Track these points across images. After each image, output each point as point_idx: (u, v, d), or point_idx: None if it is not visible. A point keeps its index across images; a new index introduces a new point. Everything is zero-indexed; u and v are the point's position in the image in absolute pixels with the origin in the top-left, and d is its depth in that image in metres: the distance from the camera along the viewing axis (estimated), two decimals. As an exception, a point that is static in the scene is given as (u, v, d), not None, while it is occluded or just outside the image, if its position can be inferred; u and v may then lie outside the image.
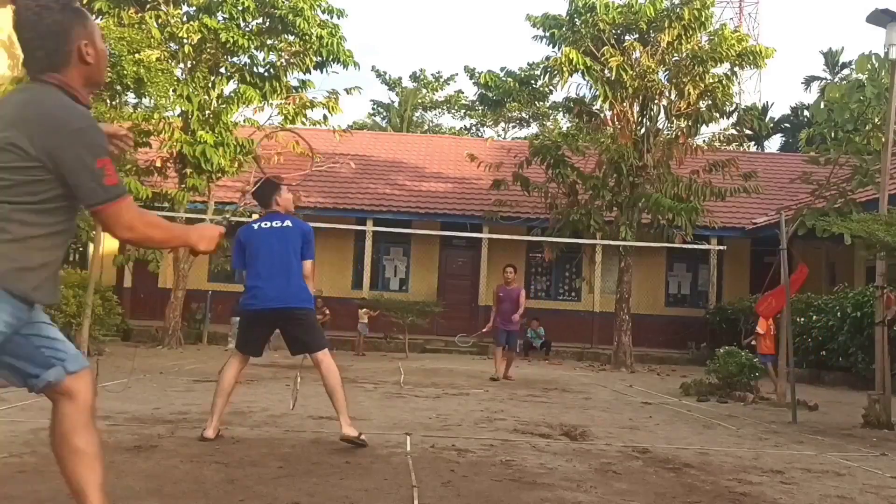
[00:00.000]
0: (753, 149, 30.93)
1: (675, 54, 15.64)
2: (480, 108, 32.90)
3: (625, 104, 15.61)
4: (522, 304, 11.58)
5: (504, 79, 18.38)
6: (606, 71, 15.22)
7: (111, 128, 2.77)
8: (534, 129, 33.66)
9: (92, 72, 2.48)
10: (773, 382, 10.06)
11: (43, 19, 2.41)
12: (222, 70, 15.46)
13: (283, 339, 5.44)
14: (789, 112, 36.90)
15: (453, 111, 39.28)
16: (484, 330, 12.46)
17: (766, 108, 34.28)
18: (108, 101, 11.76)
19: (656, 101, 15.80)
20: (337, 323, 17.15)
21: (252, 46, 14.93)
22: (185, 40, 14.44)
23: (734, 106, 16.89)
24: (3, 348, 2.35)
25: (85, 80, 2.47)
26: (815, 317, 13.38)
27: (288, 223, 5.34)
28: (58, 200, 2.33)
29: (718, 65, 15.49)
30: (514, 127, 35.04)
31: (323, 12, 15.41)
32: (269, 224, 5.33)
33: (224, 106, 15.12)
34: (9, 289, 2.27)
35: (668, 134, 16.19)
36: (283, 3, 14.76)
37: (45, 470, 3.94)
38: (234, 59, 15.43)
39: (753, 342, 11.03)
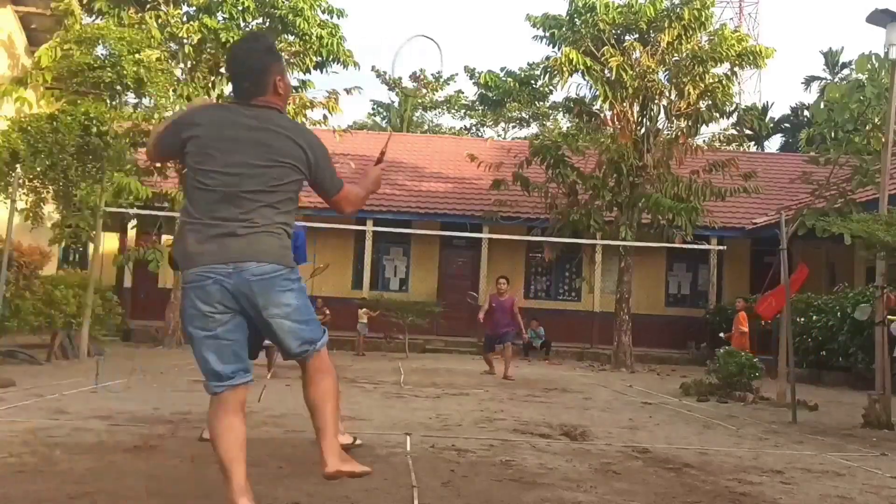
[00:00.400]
0: (753, 149, 30.93)
1: (675, 54, 15.64)
2: (480, 108, 32.92)
3: (625, 104, 15.61)
4: (517, 314, 11.87)
5: (504, 79, 18.42)
6: (606, 71, 15.23)
7: None
8: (534, 129, 33.65)
9: (281, 101, 3.09)
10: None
11: (251, 57, 3.05)
12: (222, 70, 15.46)
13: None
14: (789, 112, 36.89)
15: (453, 111, 39.28)
16: (480, 315, 12.50)
17: (766, 108, 34.27)
18: (108, 101, 11.75)
19: (656, 101, 15.80)
20: (337, 323, 17.15)
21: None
22: (185, 40, 14.45)
23: (734, 106, 16.90)
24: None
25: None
26: (815, 317, 13.38)
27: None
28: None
29: (718, 65, 15.49)
30: (514, 127, 35.04)
31: (323, 12, 15.42)
32: None
33: (224, 106, 15.12)
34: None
35: (668, 134, 16.19)
36: (283, 3, 14.76)
37: (45, 470, 3.94)
38: (235, 59, 15.43)
39: (723, 335, 12.23)
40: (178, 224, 3.22)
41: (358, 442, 4.94)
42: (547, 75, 16.92)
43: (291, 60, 15.58)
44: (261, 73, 3.00)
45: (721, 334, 13.22)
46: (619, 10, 15.60)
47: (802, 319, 13.37)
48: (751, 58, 15.46)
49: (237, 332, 3.02)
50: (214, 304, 2.92)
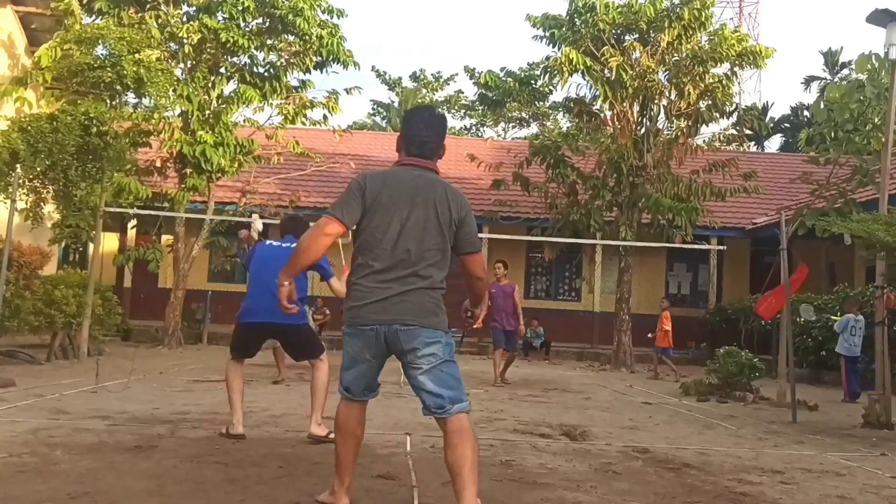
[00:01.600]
0: (753, 149, 30.93)
1: (675, 54, 15.64)
2: (480, 108, 32.92)
3: (625, 104, 15.61)
4: (518, 303, 11.09)
5: (504, 79, 18.42)
6: (606, 71, 15.23)
7: None
8: (534, 129, 33.63)
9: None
10: (673, 371, 12.99)
11: (443, 123, 3.69)
12: (222, 70, 15.46)
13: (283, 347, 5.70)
14: (789, 112, 36.92)
15: (453, 111, 39.28)
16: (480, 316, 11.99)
17: (766, 108, 34.29)
18: (107, 101, 11.74)
19: (656, 101, 15.80)
20: (337, 323, 17.15)
21: (252, 46, 14.92)
22: (185, 40, 14.44)
23: (734, 106, 16.90)
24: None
25: None
26: (815, 317, 13.37)
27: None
28: None
29: (718, 65, 15.50)
30: (514, 127, 35.03)
31: (323, 12, 15.40)
32: (282, 244, 5.61)
33: (224, 106, 15.12)
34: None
35: (668, 134, 16.19)
36: (283, 3, 14.75)
37: (45, 470, 3.94)
38: (234, 59, 15.43)
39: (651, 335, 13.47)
40: None
41: (331, 435, 5.01)
42: (547, 75, 16.92)
43: (291, 60, 15.59)
44: (442, 138, 3.70)
45: (649, 335, 14.03)
46: (619, 10, 15.60)
47: (802, 319, 13.36)
48: (751, 58, 15.46)
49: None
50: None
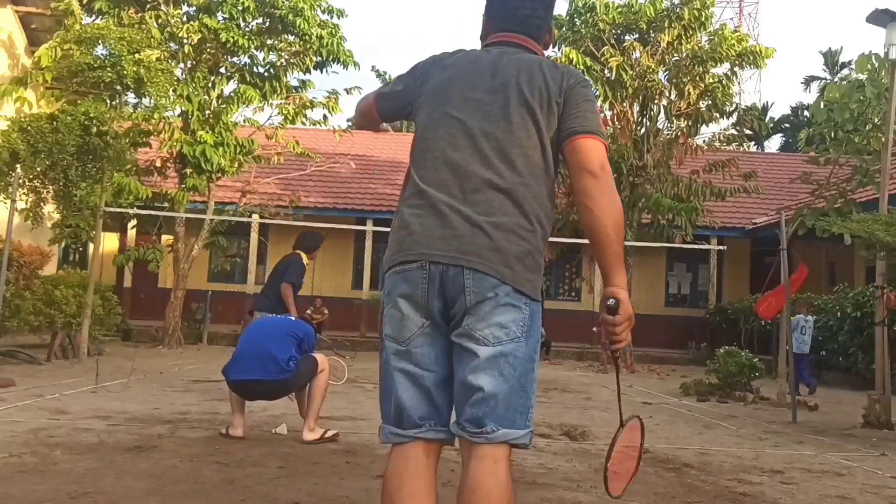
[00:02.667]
0: (753, 149, 30.93)
1: (675, 54, 15.64)
2: (480, 108, 32.89)
3: (625, 104, 15.61)
4: None
5: (504, 79, 18.37)
6: (606, 71, 15.22)
7: None
8: (534, 129, 33.63)
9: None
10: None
11: None
12: (222, 70, 15.45)
13: None
14: (789, 112, 36.95)
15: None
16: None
17: (766, 108, 34.30)
18: (108, 101, 11.74)
19: (656, 101, 15.80)
20: (337, 323, 17.18)
21: (252, 46, 14.92)
22: (185, 40, 14.44)
23: (734, 106, 16.90)
24: None
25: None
26: (815, 317, 13.38)
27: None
28: None
29: (718, 65, 15.49)
30: (514, 127, 35.03)
31: (323, 12, 15.41)
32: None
33: (224, 106, 15.12)
34: None
35: (668, 134, 16.19)
36: (283, 3, 14.75)
37: (45, 470, 3.94)
38: (234, 59, 15.43)
39: None
40: None
41: (330, 433, 5.20)
42: (547, 75, 16.87)
43: (291, 60, 15.58)
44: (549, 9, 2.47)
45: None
46: (619, 10, 15.60)
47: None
48: (751, 58, 15.46)
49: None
50: None
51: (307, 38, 15.02)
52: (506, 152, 2.12)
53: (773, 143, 36.81)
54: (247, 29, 14.98)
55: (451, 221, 2.06)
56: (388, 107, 2.45)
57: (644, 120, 16.01)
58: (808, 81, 36.60)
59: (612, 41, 15.43)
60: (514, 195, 2.08)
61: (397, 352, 2.14)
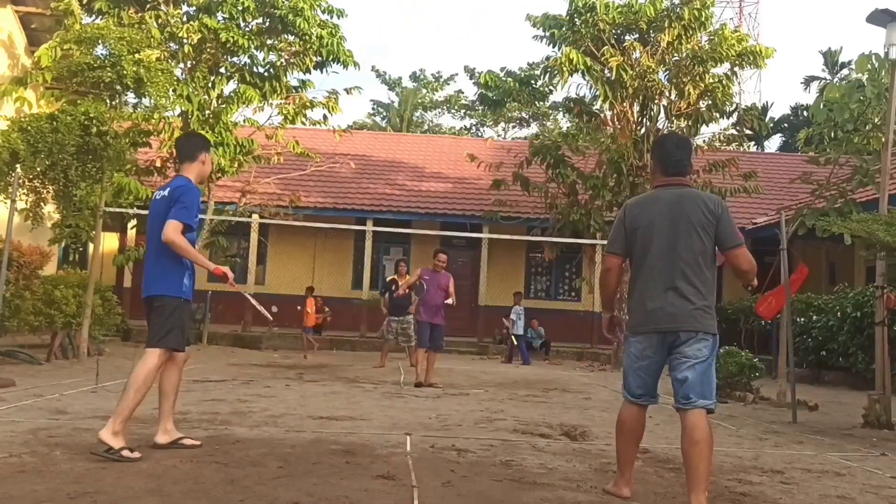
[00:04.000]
0: (753, 149, 30.94)
1: (675, 54, 15.65)
2: (480, 108, 32.91)
3: (625, 104, 15.62)
4: (453, 294, 10.04)
5: (504, 79, 18.41)
6: (606, 71, 15.23)
7: None
8: (534, 129, 33.68)
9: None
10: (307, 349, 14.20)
11: (690, 144, 4.19)
12: (222, 70, 15.46)
13: None
14: (789, 112, 36.93)
15: (453, 111, 39.28)
16: (400, 292, 11.31)
17: (766, 108, 34.28)
18: (108, 101, 11.74)
19: (656, 101, 15.80)
20: (336, 323, 17.17)
21: (252, 46, 14.94)
22: (185, 40, 14.45)
23: (734, 106, 16.91)
24: None
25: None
26: (815, 317, 13.38)
27: (166, 192, 4.61)
28: None
29: (718, 65, 15.51)
30: (514, 127, 35.06)
31: (323, 12, 15.42)
32: (159, 194, 4.70)
33: (224, 106, 15.12)
34: None
35: (668, 134, 16.20)
36: (283, 3, 14.76)
37: (45, 470, 3.94)
38: (234, 59, 15.44)
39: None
40: None
41: (128, 453, 4.25)
42: (547, 75, 16.92)
43: (291, 60, 15.59)
44: (690, 152, 4.09)
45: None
46: (619, 10, 15.60)
47: (802, 319, 13.38)
48: (751, 58, 15.47)
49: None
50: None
51: (307, 38, 15.03)
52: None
53: (773, 143, 36.83)
54: (247, 29, 14.99)
55: None
56: (620, 250, 4.02)
57: (644, 120, 16.02)
58: (808, 81, 36.61)
59: (613, 41, 15.43)
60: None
61: None
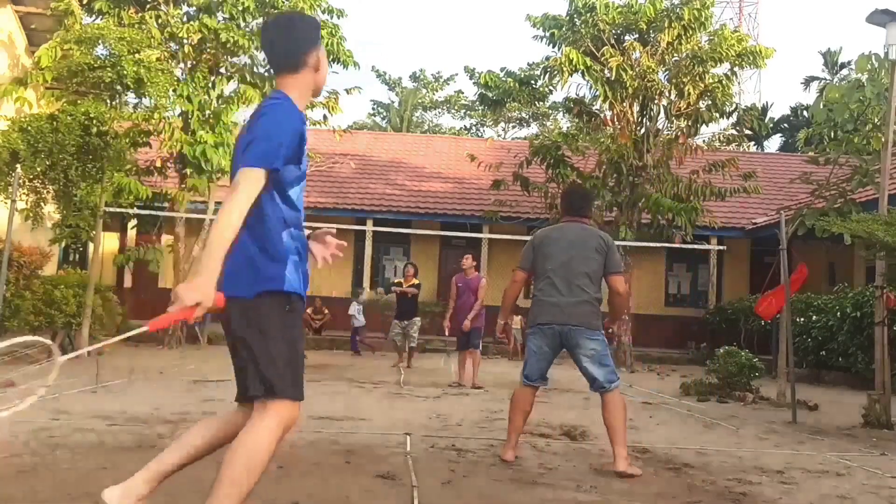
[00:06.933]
0: (753, 149, 30.93)
1: (675, 54, 15.65)
2: (480, 108, 32.91)
3: (625, 104, 15.61)
4: (481, 297, 10.14)
5: (504, 79, 18.39)
6: (606, 71, 15.22)
7: None
8: (534, 129, 33.68)
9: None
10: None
11: (590, 197, 5.67)
12: (222, 70, 15.46)
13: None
14: (789, 112, 36.91)
15: (453, 111, 39.28)
16: (446, 324, 10.83)
17: (766, 108, 34.25)
18: (107, 101, 11.75)
19: (656, 101, 15.80)
20: (337, 324, 17.17)
21: (252, 46, 14.92)
22: (185, 40, 14.44)
23: (734, 106, 16.90)
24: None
25: None
26: (815, 317, 13.37)
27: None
28: None
29: (718, 65, 15.50)
30: (514, 127, 35.06)
31: (323, 12, 15.41)
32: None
33: (224, 106, 15.12)
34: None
35: (668, 134, 16.19)
36: (283, 3, 14.75)
37: (45, 470, 3.94)
38: (235, 59, 15.43)
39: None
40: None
41: None
42: (547, 75, 16.91)
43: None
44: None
45: None
46: (619, 10, 15.60)
47: (802, 319, 13.37)
48: (750, 58, 15.46)
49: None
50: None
51: (307, 38, 15.01)
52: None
53: (773, 143, 36.82)
54: (247, 29, 14.98)
55: None
56: (528, 267, 5.22)
57: (644, 120, 16.01)
58: (808, 81, 36.58)
59: (612, 41, 15.43)
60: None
61: None
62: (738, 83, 20.27)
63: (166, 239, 16.45)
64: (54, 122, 10.47)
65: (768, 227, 17.31)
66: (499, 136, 34.03)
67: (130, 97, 13.41)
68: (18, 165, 10.15)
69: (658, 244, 15.81)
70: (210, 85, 15.18)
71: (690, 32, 15.26)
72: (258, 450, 2.53)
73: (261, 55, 15.63)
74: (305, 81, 2.76)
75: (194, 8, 15.00)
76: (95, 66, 11.30)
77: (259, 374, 2.59)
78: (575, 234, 4.91)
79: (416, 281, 12.63)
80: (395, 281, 13.62)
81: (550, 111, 31.61)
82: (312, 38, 2.79)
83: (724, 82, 15.45)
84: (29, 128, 10.38)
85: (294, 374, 2.63)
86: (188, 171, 14.75)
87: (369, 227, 17.99)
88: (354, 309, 16.08)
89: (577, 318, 4.74)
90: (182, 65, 15.01)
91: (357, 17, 54.21)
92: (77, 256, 19.12)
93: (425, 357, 15.55)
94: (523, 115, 32.93)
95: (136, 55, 11.45)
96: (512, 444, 4.85)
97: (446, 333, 11.06)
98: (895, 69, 8.12)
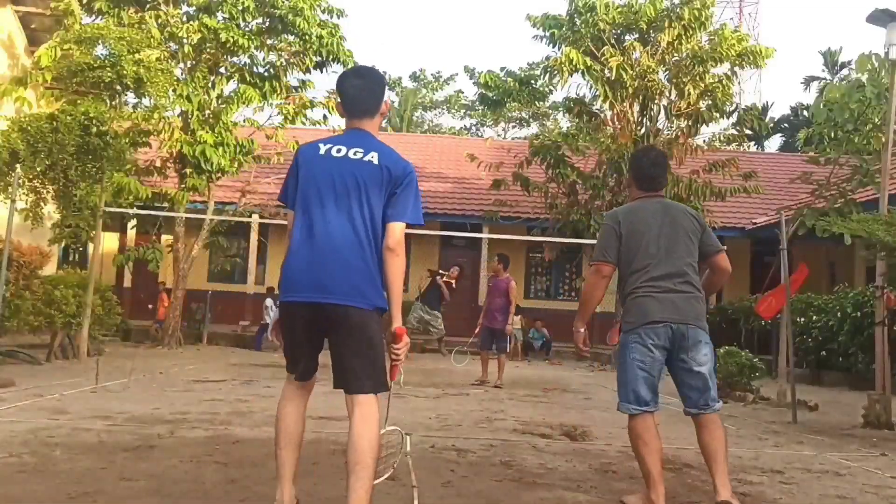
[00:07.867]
0: (753, 149, 30.93)
1: (675, 54, 15.66)
2: (480, 108, 32.93)
3: (625, 104, 15.62)
4: (513, 300, 10.36)
5: (504, 79, 18.44)
6: (606, 71, 15.23)
7: None
8: (534, 129, 33.66)
9: None
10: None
11: (666, 159, 4.28)
12: (222, 70, 15.45)
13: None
14: (789, 112, 36.92)
15: (453, 111, 39.29)
16: (476, 332, 10.99)
17: (766, 108, 34.27)
18: (107, 101, 11.74)
19: (656, 101, 15.81)
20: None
21: (252, 46, 14.93)
22: (185, 40, 14.44)
23: (734, 106, 16.93)
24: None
25: None
26: (815, 317, 13.37)
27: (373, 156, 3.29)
28: None
29: (718, 65, 15.51)
30: (514, 127, 35.05)
31: (323, 12, 15.41)
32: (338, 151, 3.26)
33: (224, 106, 15.12)
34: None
35: (668, 134, 16.20)
36: (283, 3, 14.76)
37: (45, 470, 3.94)
38: (234, 59, 15.43)
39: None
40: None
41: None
42: (547, 75, 16.94)
43: (291, 60, 15.58)
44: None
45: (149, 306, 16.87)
46: (619, 10, 15.61)
47: (802, 319, 13.36)
48: (751, 58, 15.47)
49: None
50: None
51: (307, 37, 15.02)
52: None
53: (773, 143, 36.81)
54: (247, 29, 14.98)
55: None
56: (614, 258, 4.11)
57: (644, 120, 16.02)
58: (808, 81, 36.59)
59: (613, 41, 15.43)
60: None
61: None
62: (739, 83, 20.29)
63: (166, 239, 16.44)
64: (54, 122, 10.46)
65: (768, 227, 17.31)
66: (499, 136, 34.01)
67: (130, 97, 13.40)
68: (18, 165, 10.14)
69: (658, 244, 15.80)
70: (210, 85, 15.18)
71: (691, 32, 15.27)
72: (377, 433, 3.23)
73: (260, 55, 15.66)
74: (379, 122, 3.40)
75: (194, 8, 14.99)
76: (95, 65, 11.29)
77: (374, 373, 3.28)
78: (664, 214, 3.96)
79: (453, 283, 13.66)
80: (445, 272, 15.03)
81: (550, 111, 31.61)
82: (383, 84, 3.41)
83: (724, 82, 15.46)
84: (29, 128, 10.37)
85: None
86: (188, 170, 14.75)
87: (369, 227, 17.95)
88: (267, 304, 16.60)
89: (693, 316, 3.94)
90: (182, 65, 15.00)
91: (357, 16, 54.18)
92: (77, 256, 19.12)
93: (425, 357, 15.55)
94: (523, 115, 32.92)
95: (136, 55, 11.44)
96: (660, 493, 3.75)
97: (476, 332, 11.09)
98: (895, 69, 8.12)
